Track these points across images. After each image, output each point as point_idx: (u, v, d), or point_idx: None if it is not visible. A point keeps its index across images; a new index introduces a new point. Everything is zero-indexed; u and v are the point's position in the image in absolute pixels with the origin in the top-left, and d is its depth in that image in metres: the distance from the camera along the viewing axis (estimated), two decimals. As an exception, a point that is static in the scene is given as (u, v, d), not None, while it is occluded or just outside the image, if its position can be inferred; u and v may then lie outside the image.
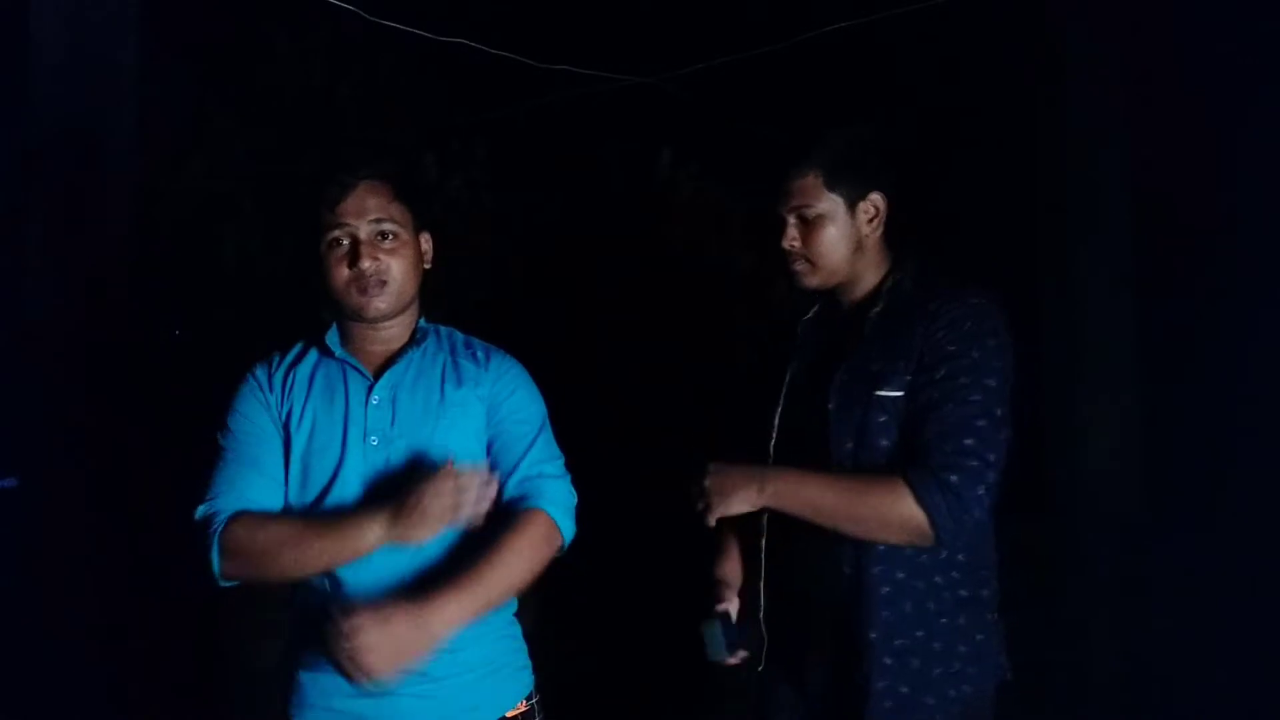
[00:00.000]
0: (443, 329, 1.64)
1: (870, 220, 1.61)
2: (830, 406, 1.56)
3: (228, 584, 1.43)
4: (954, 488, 1.44)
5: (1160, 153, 3.36)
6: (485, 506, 1.39)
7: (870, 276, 1.64)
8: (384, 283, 1.50)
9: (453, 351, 1.58)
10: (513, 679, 1.56)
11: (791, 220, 1.59)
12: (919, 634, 1.51)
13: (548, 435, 1.55)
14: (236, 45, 3.58)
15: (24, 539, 2.61)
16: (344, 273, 1.50)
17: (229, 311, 3.52)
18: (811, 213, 1.57)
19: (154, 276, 3.12)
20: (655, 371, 3.58)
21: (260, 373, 1.58)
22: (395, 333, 1.57)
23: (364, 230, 1.50)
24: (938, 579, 1.52)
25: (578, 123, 3.72)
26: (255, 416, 1.53)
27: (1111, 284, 3.43)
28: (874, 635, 1.51)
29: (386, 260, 1.50)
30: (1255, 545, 2.86)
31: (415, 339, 1.56)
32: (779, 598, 1.67)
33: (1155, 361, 3.35)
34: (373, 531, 1.36)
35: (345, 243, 1.50)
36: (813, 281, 1.61)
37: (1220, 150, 3.16)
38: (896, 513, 1.45)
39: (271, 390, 1.55)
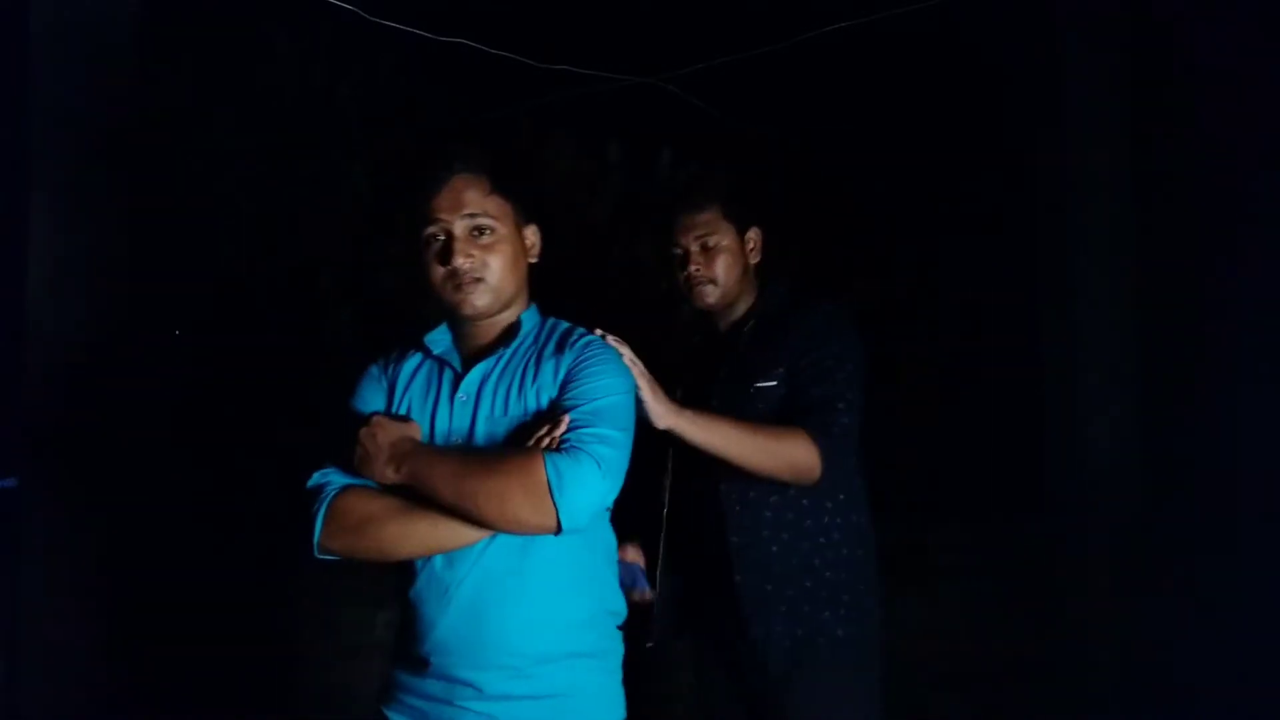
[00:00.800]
0: (549, 321, 1.58)
1: (751, 249, 1.95)
2: (713, 402, 1.83)
3: (324, 556, 1.42)
4: (836, 440, 1.77)
5: (1161, 152, 3.36)
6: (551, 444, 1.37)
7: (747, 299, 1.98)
8: (480, 280, 1.47)
9: (544, 346, 1.52)
10: (591, 715, 1.45)
11: (694, 248, 1.90)
12: (807, 584, 1.81)
13: (600, 411, 1.42)
14: (236, 45, 3.59)
15: (24, 539, 2.61)
16: (439, 270, 1.48)
17: (229, 311, 3.53)
18: (712, 241, 1.89)
19: (155, 277, 3.12)
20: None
21: (379, 365, 1.58)
22: (499, 329, 1.53)
23: (459, 226, 1.47)
24: (821, 539, 1.83)
25: (578, 123, 3.72)
26: (374, 402, 1.52)
27: (1111, 284, 3.43)
28: (769, 588, 1.81)
29: (482, 257, 1.47)
30: (1255, 545, 2.86)
31: (509, 334, 1.52)
32: (681, 563, 1.95)
33: (1155, 361, 3.35)
34: (469, 529, 1.36)
35: (440, 239, 1.48)
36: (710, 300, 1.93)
37: (1221, 149, 3.16)
38: (798, 454, 1.73)
39: (385, 383, 1.54)
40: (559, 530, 1.34)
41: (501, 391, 1.47)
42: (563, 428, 1.38)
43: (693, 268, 1.88)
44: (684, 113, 3.67)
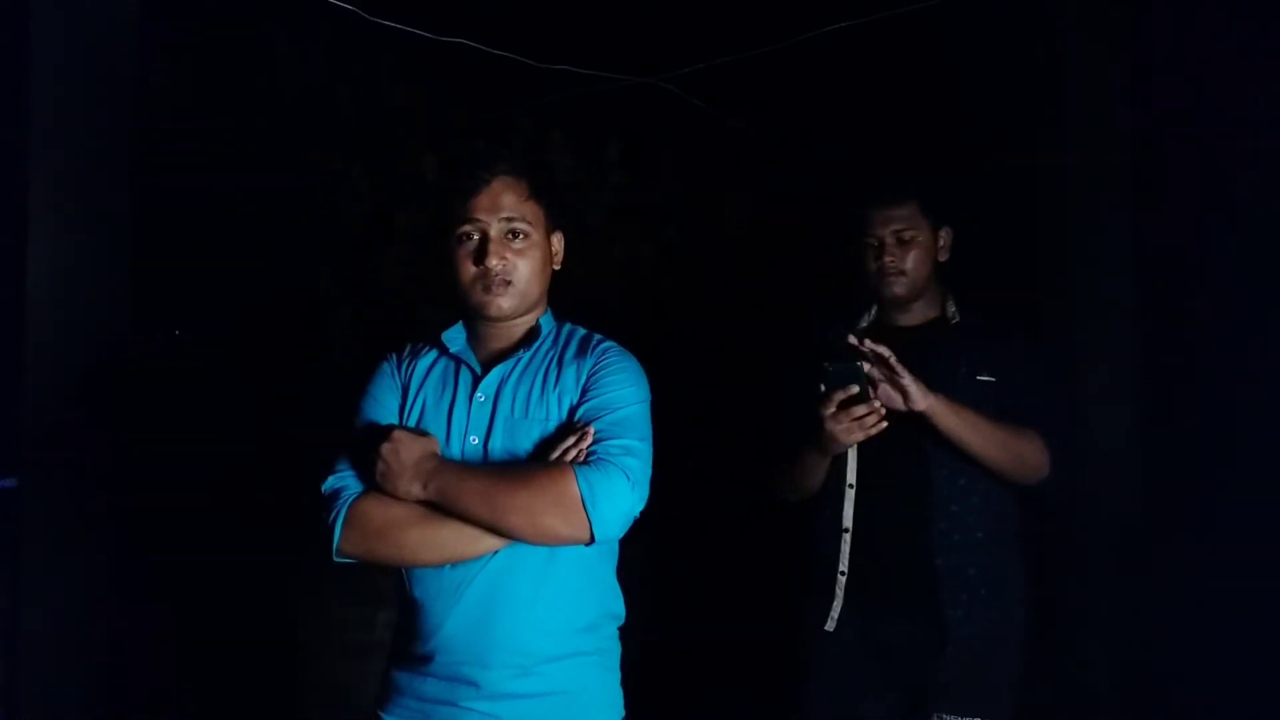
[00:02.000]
0: (567, 327, 1.61)
1: (942, 247, 2.02)
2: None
3: (342, 560, 1.42)
4: (1057, 450, 2.01)
5: (1161, 152, 3.36)
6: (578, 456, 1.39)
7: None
8: (509, 282, 1.49)
9: (564, 351, 1.54)
10: (594, 713, 1.48)
11: (890, 240, 1.97)
12: (1001, 572, 1.95)
13: (623, 421, 1.45)
14: (236, 45, 3.59)
15: (24, 539, 2.61)
16: (470, 269, 1.50)
17: (229, 311, 3.52)
18: (908, 235, 1.97)
19: (155, 277, 3.12)
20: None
21: (392, 361, 1.59)
22: (518, 331, 1.56)
23: (495, 228, 1.49)
24: (1009, 534, 1.98)
25: (578, 123, 3.71)
26: (387, 401, 1.53)
27: (1111, 284, 3.43)
28: (971, 572, 1.90)
29: (514, 260, 1.50)
30: (1255, 545, 2.86)
31: (529, 338, 1.55)
32: (861, 565, 1.99)
33: (1155, 362, 3.35)
34: (491, 536, 1.37)
35: (475, 238, 1.50)
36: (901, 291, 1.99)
37: (1222, 150, 3.16)
38: (1033, 454, 1.94)
39: (399, 379, 1.55)
40: (592, 541, 1.38)
41: (522, 394, 1.49)
42: (589, 440, 1.41)
43: (887, 259, 1.95)
44: (684, 113, 3.67)
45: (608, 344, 1.56)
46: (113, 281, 2.74)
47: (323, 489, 1.44)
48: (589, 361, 1.50)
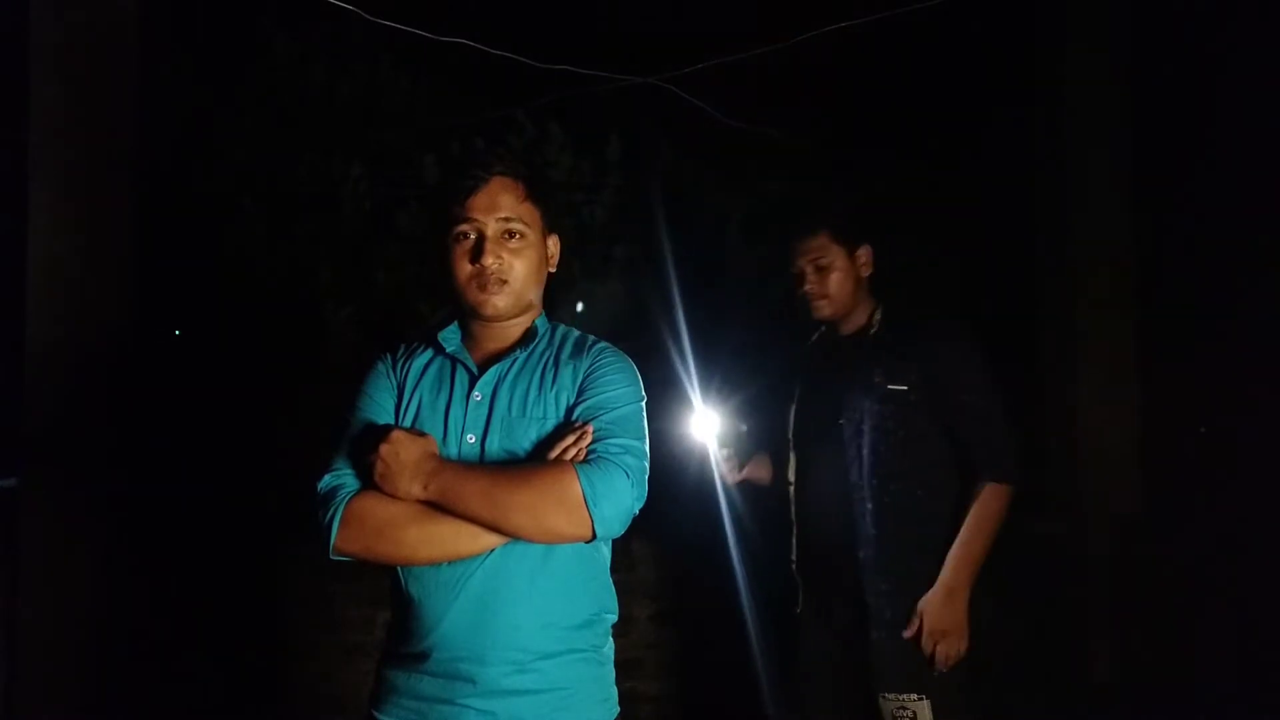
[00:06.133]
0: (561, 328, 1.61)
1: (863, 264, 2.16)
2: (844, 400, 2.11)
3: (339, 558, 1.42)
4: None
5: (1159, 151, 3.36)
6: (578, 455, 1.40)
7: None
8: (504, 282, 1.50)
9: (560, 352, 1.55)
10: (589, 710, 1.46)
11: (809, 270, 2.14)
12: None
13: (620, 421, 1.46)
14: (236, 45, 3.59)
15: (24, 539, 2.61)
16: (466, 268, 1.50)
17: (229, 311, 3.52)
18: (824, 262, 2.13)
19: (154, 276, 3.12)
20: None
21: (387, 361, 1.58)
22: (513, 332, 1.56)
23: (491, 227, 1.50)
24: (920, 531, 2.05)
25: (578, 123, 3.71)
26: (382, 400, 1.53)
27: (1111, 284, 3.44)
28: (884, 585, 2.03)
29: (510, 260, 1.50)
30: (1255, 544, 2.86)
31: (525, 338, 1.55)
32: (806, 556, 2.17)
33: (1155, 361, 3.35)
34: (490, 534, 1.37)
35: (471, 237, 1.50)
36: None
37: (1220, 148, 3.16)
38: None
39: (394, 378, 1.55)
40: (593, 539, 1.39)
41: (519, 393, 1.49)
42: (588, 439, 1.41)
43: (809, 286, 2.13)
44: (684, 113, 3.67)
45: (603, 344, 1.56)
46: (113, 281, 2.74)
47: (319, 487, 1.44)
48: (585, 361, 1.51)
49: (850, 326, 2.18)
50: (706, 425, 2.22)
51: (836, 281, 2.12)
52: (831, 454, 2.08)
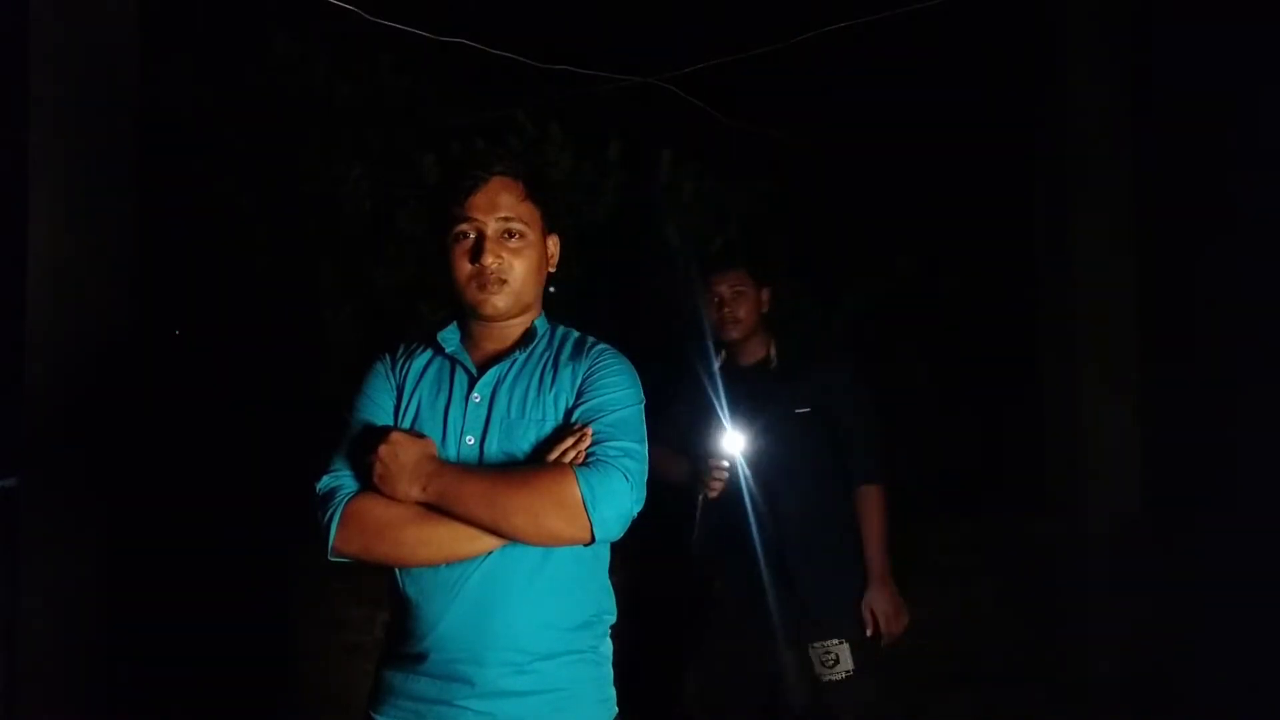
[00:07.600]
0: (561, 329, 1.61)
1: (765, 301, 2.58)
2: (760, 422, 2.44)
3: (338, 559, 1.42)
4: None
5: (1161, 152, 3.36)
6: (577, 457, 1.40)
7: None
8: (504, 281, 1.49)
9: (559, 353, 1.54)
10: (587, 710, 1.47)
11: (728, 294, 2.54)
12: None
13: (620, 424, 1.46)
14: (236, 45, 3.58)
15: (24, 539, 2.61)
16: (466, 267, 1.50)
17: (229, 311, 3.52)
18: (741, 289, 2.54)
19: (155, 276, 3.12)
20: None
21: (386, 361, 1.58)
22: (512, 332, 1.56)
23: (491, 226, 1.49)
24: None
25: (578, 123, 3.71)
26: (381, 401, 1.52)
27: (1111, 283, 3.43)
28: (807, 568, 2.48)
29: (509, 259, 1.50)
30: (1255, 545, 2.86)
31: (524, 339, 1.55)
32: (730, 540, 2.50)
33: (1155, 360, 3.35)
34: (489, 535, 1.37)
35: (471, 236, 1.50)
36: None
37: (1221, 149, 3.16)
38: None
39: (393, 379, 1.55)
40: (592, 541, 1.38)
41: (518, 394, 1.49)
42: (587, 441, 1.41)
43: (725, 310, 2.55)
44: (684, 113, 3.67)
45: (602, 346, 1.56)
46: (113, 281, 2.74)
47: (318, 488, 1.44)
48: (584, 363, 1.51)
49: (749, 357, 2.59)
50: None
51: (747, 309, 2.54)
52: (753, 459, 2.45)
